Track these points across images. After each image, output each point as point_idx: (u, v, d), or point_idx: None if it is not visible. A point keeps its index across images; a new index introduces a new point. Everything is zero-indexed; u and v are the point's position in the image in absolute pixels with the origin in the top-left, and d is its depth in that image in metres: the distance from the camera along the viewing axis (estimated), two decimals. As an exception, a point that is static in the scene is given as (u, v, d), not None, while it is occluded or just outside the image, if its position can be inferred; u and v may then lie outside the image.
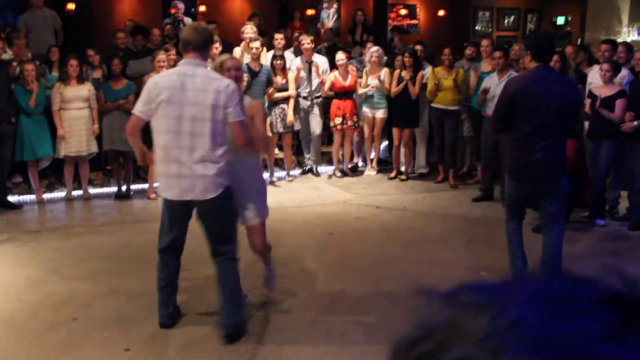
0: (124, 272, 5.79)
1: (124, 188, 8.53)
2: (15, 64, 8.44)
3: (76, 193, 8.49)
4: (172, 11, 12.46)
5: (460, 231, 7.07)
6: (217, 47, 8.19)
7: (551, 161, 4.90)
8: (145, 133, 4.53)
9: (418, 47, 9.58)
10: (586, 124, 7.67)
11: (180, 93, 4.08)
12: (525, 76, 5.20)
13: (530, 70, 5.10)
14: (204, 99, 4.04)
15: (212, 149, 4.11)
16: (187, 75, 4.13)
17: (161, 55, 8.19)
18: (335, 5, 15.45)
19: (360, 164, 10.17)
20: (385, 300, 5.13)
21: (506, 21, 16.14)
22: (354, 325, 4.72)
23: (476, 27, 15.79)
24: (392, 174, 9.48)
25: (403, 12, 15.54)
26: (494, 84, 7.93)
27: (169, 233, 4.48)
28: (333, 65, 9.50)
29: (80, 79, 8.21)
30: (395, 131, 9.33)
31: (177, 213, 4.37)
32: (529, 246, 5.48)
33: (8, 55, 8.52)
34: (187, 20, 12.54)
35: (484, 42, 9.07)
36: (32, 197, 8.30)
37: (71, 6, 11.76)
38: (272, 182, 8.83)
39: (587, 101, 7.42)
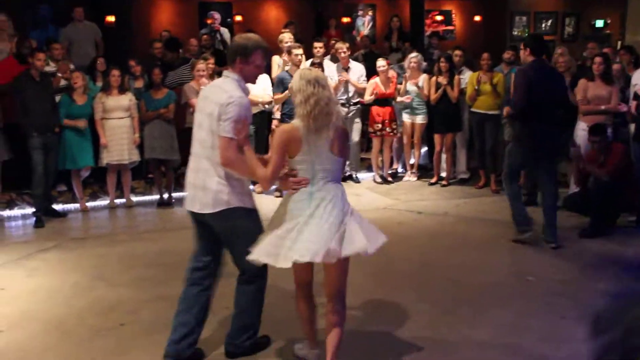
0: (169, 279, 5.81)
1: (165, 196, 8.60)
2: (60, 74, 8.58)
3: (119, 201, 8.59)
4: (209, 21, 12.58)
5: (503, 236, 6.97)
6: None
7: (550, 133, 6.38)
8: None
9: (457, 52, 9.52)
10: (632, 126, 7.53)
11: (203, 102, 4.04)
12: (530, 67, 6.45)
13: (531, 63, 6.46)
14: (211, 109, 3.92)
15: (212, 163, 3.93)
16: (214, 86, 4.16)
17: (201, 65, 8.28)
18: (370, 13, 15.47)
19: (400, 170, 10.12)
20: (429, 307, 5.08)
21: (544, 25, 15.96)
22: (399, 331, 4.68)
23: (513, 32, 15.63)
24: (433, 180, 9.42)
25: (439, 18, 15.47)
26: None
27: (195, 247, 4.38)
28: (370, 73, 9.49)
29: (122, 89, 8.32)
30: (436, 137, 9.28)
31: (194, 225, 4.26)
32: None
33: (51, 67, 8.68)
34: (224, 30, 12.67)
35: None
36: (76, 205, 8.42)
37: (111, 18, 11.94)
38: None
39: (633, 103, 7.29)
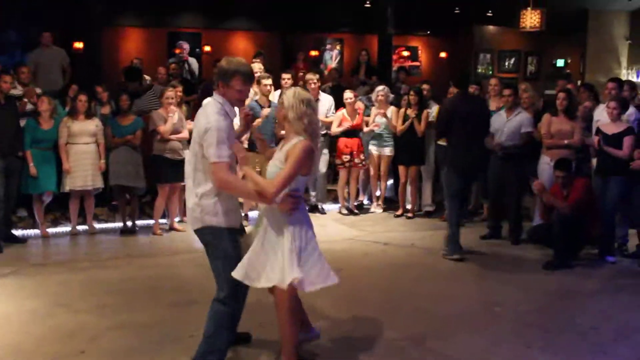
0: (132, 306, 5.70)
1: (129, 224, 8.46)
2: (26, 99, 8.46)
3: (81, 228, 8.42)
4: (177, 51, 12.61)
5: (470, 267, 7.01)
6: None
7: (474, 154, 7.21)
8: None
9: (425, 87, 9.65)
10: (594, 161, 7.68)
11: (195, 122, 4.15)
12: (452, 99, 7.86)
13: (455, 95, 7.89)
14: (194, 133, 4.09)
15: (194, 183, 4.09)
16: (202, 107, 4.16)
17: (170, 92, 8.23)
18: (338, 47, 15.64)
19: (365, 202, 10.14)
20: (398, 335, 5.05)
21: (507, 63, 16.32)
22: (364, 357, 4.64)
23: (477, 69, 15.93)
24: (399, 212, 9.44)
25: (405, 53, 15.70)
26: (502, 122, 7.96)
27: None
28: (337, 105, 9.55)
29: (89, 114, 8.22)
30: (401, 169, 9.34)
31: None
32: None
33: (18, 91, 8.56)
34: (192, 60, 12.70)
35: (492, 81, 9.14)
36: (37, 231, 8.24)
37: (79, 45, 11.89)
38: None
39: (595, 138, 7.43)
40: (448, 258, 7.22)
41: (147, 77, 10.97)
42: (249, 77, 4.08)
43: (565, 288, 6.34)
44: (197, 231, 4.18)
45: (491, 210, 8.35)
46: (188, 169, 4.17)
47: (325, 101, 9.52)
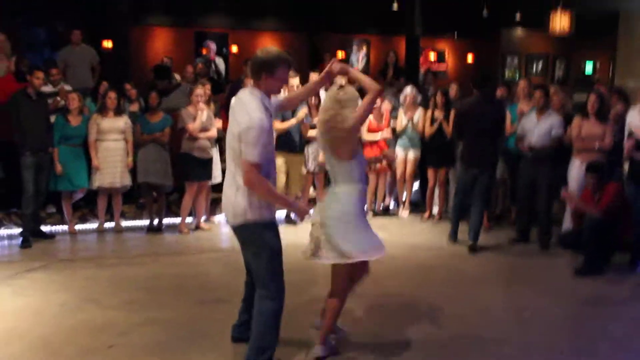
0: (159, 303, 5.71)
1: (156, 222, 8.49)
2: (59, 98, 8.52)
3: (108, 225, 8.47)
4: (204, 51, 12.64)
5: (499, 271, 6.93)
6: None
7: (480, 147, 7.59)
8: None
9: (454, 87, 9.57)
10: (626, 165, 7.56)
11: (231, 116, 4.10)
12: (469, 99, 7.96)
13: (473, 96, 7.88)
14: (233, 125, 4.02)
15: (237, 176, 4.03)
16: (239, 99, 4.09)
17: (199, 90, 8.24)
18: (364, 48, 15.60)
19: (392, 205, 10.06)
20: (425, 339, 4.99)
21: (534, 67, 16.17)
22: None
23: (504, 73, 15.81)
24: (426, 215, 9.37)
25: (432, 56, 15.63)
26: (533, 123, 7.87)
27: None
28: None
29: (118, 111, 8.26)
30: (430, 171, 9.27)
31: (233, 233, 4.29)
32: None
33: (48, 88, 8.62)
34: (219, 60, 12.74)
35: (521, 83, 9.03)
36: (65, 227, 8.30)
37: (108, 44, 11.97)
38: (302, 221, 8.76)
39: (627, 143, 7.31)
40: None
41: (176, 76, 11.02)
42: (290, 64, 4.10)
43: (597, 294, 6.24)
44: (239, 227, 4.10)
45: (520, 214, 8.25)
46: (230, 163, 4.12)
47: (353, 102, 9.46)
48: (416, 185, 10.28)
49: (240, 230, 4.11)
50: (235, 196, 4.03)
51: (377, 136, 9.11)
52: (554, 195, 8.01)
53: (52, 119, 8.11)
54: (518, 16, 15.18)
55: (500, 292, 6.25)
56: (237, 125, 3.95)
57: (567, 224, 7.81)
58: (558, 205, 8.47)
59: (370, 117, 9.21)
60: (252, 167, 3.89)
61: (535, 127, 7.86)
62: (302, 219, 4.38)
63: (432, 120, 9.12)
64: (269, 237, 4.08)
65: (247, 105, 3.98)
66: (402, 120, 9.32)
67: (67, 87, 8.87)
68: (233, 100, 4.15)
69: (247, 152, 3.87)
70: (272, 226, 4.12)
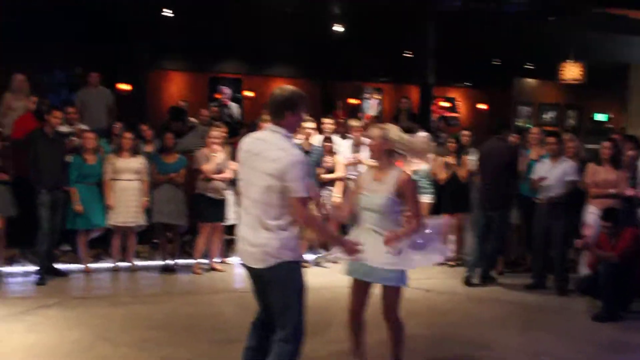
0: (173, 342, 5.67)
1: (170, 262, 8.47)
2: (74, 139, 8.60)
3: (122, 265, 8.45)
4: (218, 96, 12.80)
5: (515, 316, 6.85)
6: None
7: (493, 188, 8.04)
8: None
9: (465, 133, 9.62)
10: (640, 211, 7.54)
11: (250, 156, 3.98)
12: (486, 143, 8.38)
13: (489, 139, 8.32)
14: (263, 166, 3.88)
15: (267, 219, 3.90)
16: (259, 140, 4.01)
17: (215, 132, 8.33)
18: (377, 96, 15.74)
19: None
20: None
21: (546, 116, 16.25)
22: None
23: (517, 122, 15.89)
24: (440, 260, 9.30)
25: (444, 104, 15.76)
26: (546, 170, 7.87)
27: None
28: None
29: (133, 152, 8.33)
30: (444, 217, 9.23)
31: (250, 279, 4.16)
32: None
33: (65, 128, 8.72)
34: (232, 105, 12.88)
35: (534, 130, 9.11)
36: (79, 266, 8.28)
37: (125, 87, 12.16)
38: (317, 264, 8.76)
39: (641, 189, 7.31)
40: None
41: (191, 119, 11.13)
42: (307, 102, 4.06)
43: (615, 340, 6.16)
44: (269, 269, 3.92)
45: (536, 260, 8.18)
46: (251, 205, 3.98)
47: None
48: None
49: (271, 271, 3.92)
50: (267, 238, 3.89)
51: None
52: (570, 241, 7.97)
53: (68, 158, 8.17)
54: (530, 66, 15.34)
55: (516, 337, 6.17)
56: (273, 163, 3.84)
57: (584, 269, 7.74)
58: (574, 251, 8.41)
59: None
60: (303, 201, 3.84)
61: (548, 173, 7.87)
62: (352, 255, 4.27)
63: (446, 167, 9.14)
64: (299, 277, 3.99)
65: (278, 143, 3.91)
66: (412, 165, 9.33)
67: (83, 127, 8.96)
68: (249, 142, 4.07)
69: (296, 188, 3.80)
70: (300, 265, 4.04)
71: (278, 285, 3.96)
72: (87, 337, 5.72)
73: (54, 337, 5.69)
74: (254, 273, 4.06)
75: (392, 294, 4.66)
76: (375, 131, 4.64)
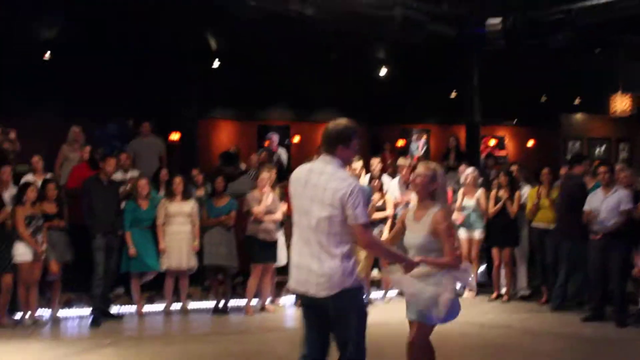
0: (226, 378, 5.69)
1: (221, 303, 8.52)
2: (128, 187, 8.82)
3: (174, 307, 8.53)
4: (267, 143, 13.01)
5: (573, 350, 6.68)
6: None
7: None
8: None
9: (513, 168, 9.56)
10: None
11: (303, 187, 4.03)
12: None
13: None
14: (322, 196, 3.93)
15: (328, 246, 3.93)
16: (313, 172, 4.05)
17: (265, 174, 8.44)
18: (424, 137, 15.77)
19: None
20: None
21: (597, 150, 16.00)
22: None
23: (567, 157, 15.67)
24: (493, 296, 9.15)
25: (492, 142, 15.67)
26: (599, 201, 7.74)
27: (304, 340, 4.16)
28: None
29: (185, 196, 8.49)
30: (494, 251, 9.14)
31: (305, 313, 4.14)
32: None
33: (118, 175, 8.96)
34: (281, 150, 13.07)
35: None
36: (132, 308, 8.39)
37: (175, 136, 12.48)
38: (368, 302, 8.70)
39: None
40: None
41: (242, 165, 11.32)
42: (360, 135, 4.14)
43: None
44: (333, 297, 3.93)
45: (594, 294, 7.97)
46: (309, 234, 4.00)
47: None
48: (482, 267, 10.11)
49: (335, 299, 3.93)
50: (332, 267, 3.91)
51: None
52: (628, 273, 7.77)
53: (122, 204, 8.38)
54: (577, 101, 15.18)
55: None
56: (333, 193, 3.89)
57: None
58: (632, 282, 8.18)
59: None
60: (366, 228, 3.93)
61: (602, 203, 7.73)
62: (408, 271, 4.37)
63: (497, 200, 9.07)
64: (362, 302, 4.08)
65: (335, 173, 3.98)
66: (459, 199, 9.28)
67: (135, 173, 9.19)
68: (300, 172, 4.13)
69: (358, 214, 3.86)
70: (362, 292, 4.11)
71: (341, 312, 3.97)
72: (142, 375, 5.79)
73: (110, 376, 5.78)
74: (316, 303, 4.01)
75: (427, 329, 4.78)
76: (422, 169, 4.64)
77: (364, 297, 4.12)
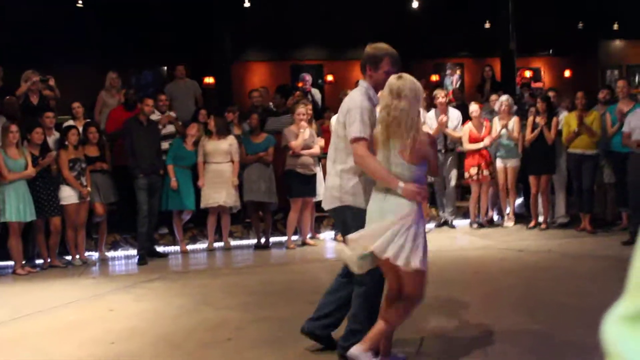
0: (272, 303, 5.87)
1: (263, 240, 8.70)
2: (160, 125, 8.95)
3: (217, 245, 8.75)
4: (300, 84, 12.99)
5: (613, 269, 6.65)
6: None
7: None
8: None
9: (551, 94, 9.45)
10: None
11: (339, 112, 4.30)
12: None
13: None
14: (339, 116, 4.24)
15: (335, 162, 4.22)
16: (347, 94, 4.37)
17: (301, 109, 8.49)
18: (458, 72, 15.61)
19: (495, 217, 9.90)
20: (542, 327, 4.88)
21: (637, 78, 15.65)
22: (514, 347, 4.53)
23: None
24: (531, 224, 9.17)
25: (528, 74, 15.44)
26: (638, 119, 7.65)
27: None
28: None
29: (222, 134, 8.59)
30: (532, 179, 9.09)
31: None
32: None
33: (156, 116, 9.10)
34: (315, 91, 13.03)
35: (620, 83, 8.83)
36: (177, 247, 8.64)
37: (209, 80, 12.56)
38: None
39: None
40: None
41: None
42: (397, 60, 4.20)
43: None
44: (334, 210, 4.26)
45: (635, 213, 7.94)
46: (330, 151, 4.31)
47: (453, 116, 9.50)
48: (520, 200, 10.10)
49: (336, 212, 4.25)
50: (332, 180, 4.21)
51: (479, 145, 9.08)
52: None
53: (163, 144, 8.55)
54: (616, 27, 14.81)
55: (616, 285, 5.97)
56: (341, 110, 4.16)
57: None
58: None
59: (471, 126, 9.22)
60: (358, 142, 3.94)
61: (640, 122, 7.64)
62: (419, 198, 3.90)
63: (534, 127, 8.99)
64: (362, 224, 3.96)
65: (351, 94, 4.24)
66: (497, 127, 9.24)
67: (173, 114, 9.31)
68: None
69: (352, 129, 3.98)
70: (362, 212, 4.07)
71: (342, 227, 4.32)
72: (191, 303, 5.99)
73: (160, 304, 6.00)
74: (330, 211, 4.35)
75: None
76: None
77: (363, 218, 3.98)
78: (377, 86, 4.17)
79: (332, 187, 4.22)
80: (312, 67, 14.52)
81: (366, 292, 4.19)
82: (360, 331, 4.19)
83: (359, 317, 4.22)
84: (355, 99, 4.10)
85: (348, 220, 4.17)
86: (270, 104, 10.50)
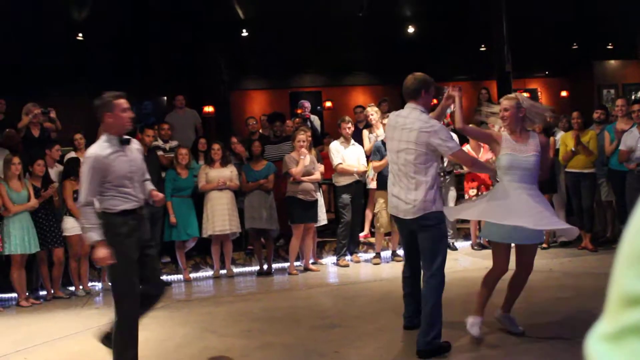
0: (275, 330, 5.88)
1: (265, 266, 8.73)
2: (161, 153, 9.04)
3: (220, 272, 8.75)
4: (299, 111, 13.10)
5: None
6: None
7: None
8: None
9: (547, 114, 9.49)
10: None
11: (396, 131, 4.84)
12: None
13: None
14: (411, 136, 4.70)
15: (412, 178, 4.76)
16: (400, 116, 4.91)
17: (301, 135, 8.55)
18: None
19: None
20: (546, 344, 4.91)
21: (633, 97, 15.75)
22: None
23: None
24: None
25: (525, 95, 15.54)
26: (635, 139, 7.72)
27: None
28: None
29: (224, 162, 8.67)
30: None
31: (399, 230, 5.46)
32: None
33: (158, 144, 9.18)
34: (314, 117, 13.14)
35: (619, 102, 8.91)
36: (180, 276, 8.66)
37: (209, 109, 12.68)
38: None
39: None
40: None
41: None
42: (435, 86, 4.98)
43: None
44: (418, 219, 4.77)
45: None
46: (401, 168, 4.82)
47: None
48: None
49: (421, 220, 4.77)
50: (411, 196, 4.77)
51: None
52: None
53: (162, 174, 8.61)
54: (610, 46, 14.95)
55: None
56: (416, 132, 4.70)
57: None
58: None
59: (469, 148, 9.29)
60: (462, 152, 5.13)
61: (637, 142, 7.71)
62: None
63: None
64: (444, 225, 5.02)
65: (420, 117, 4.79)
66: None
67: (174, 143, 9.39)
68: (393, 118, 5.00)
69: (449, 145, 4.72)
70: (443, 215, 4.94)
71: (424, 233, 4.82)
72: (194, 331, 6.02)
73: (164, 334, 6.01)
74: (404, 223, 4.97)
75: (533, 250, 5.46)
76: (505, 102, 5.17)
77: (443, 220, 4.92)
78: (427, 108, 5.00)
79: (412, 200, 4.77)
80: (311, 93, 14.64)
81: (440, 282, 4.85)
82: (440, 323, 4.82)
83: (437, 310, 4.81)
84: (431, 122, 4.76)
85: (433, 224, 4.80)
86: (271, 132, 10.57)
